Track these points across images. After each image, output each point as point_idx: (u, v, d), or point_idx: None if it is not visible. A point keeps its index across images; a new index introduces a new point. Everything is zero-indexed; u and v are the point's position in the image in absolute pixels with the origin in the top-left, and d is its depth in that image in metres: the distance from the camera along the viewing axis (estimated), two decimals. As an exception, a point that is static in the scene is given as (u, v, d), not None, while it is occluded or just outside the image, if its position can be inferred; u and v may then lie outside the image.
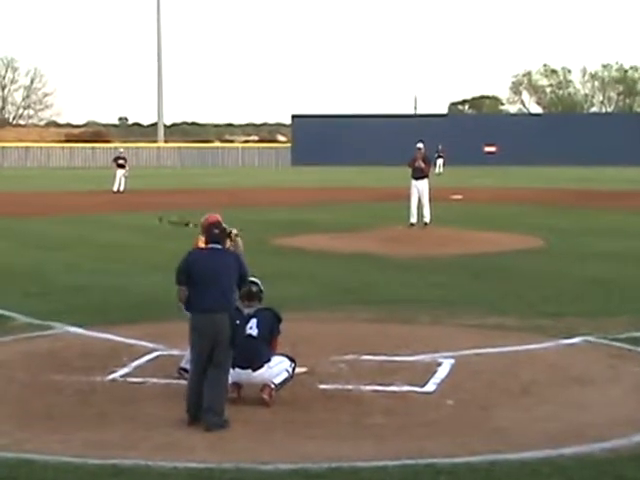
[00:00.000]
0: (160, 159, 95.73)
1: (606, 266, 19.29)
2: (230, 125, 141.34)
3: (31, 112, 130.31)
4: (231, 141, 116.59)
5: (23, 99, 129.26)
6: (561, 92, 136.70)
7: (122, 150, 53.89)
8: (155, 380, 10.33)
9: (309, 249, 22.34)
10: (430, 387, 10.01)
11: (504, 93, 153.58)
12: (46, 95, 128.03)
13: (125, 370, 10.79)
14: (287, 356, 9.79)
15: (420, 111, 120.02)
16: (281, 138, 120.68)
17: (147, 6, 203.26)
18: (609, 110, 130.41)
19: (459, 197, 40.97)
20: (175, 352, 11.08)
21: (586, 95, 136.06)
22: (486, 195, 43.64)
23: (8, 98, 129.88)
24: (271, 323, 9.73)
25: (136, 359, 11.25)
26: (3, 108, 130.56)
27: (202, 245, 9.52)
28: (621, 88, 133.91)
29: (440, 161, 69.93)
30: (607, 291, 16.19)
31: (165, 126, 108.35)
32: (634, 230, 27.15)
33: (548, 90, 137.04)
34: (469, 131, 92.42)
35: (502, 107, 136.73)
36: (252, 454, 7.91)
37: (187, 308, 9.11)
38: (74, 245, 23.89)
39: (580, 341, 12.20)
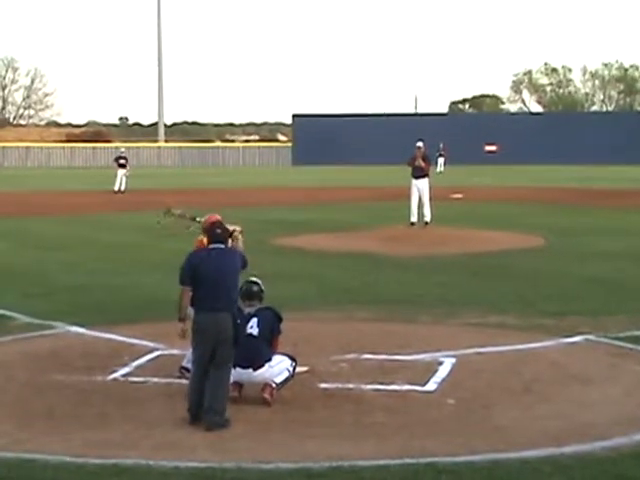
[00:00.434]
0: (161, 159, 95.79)
1: (607, 265, 19.28)
2: (231, 125, 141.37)
3: (31, 112, 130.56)
4: (232, 141, 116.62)
5: (23, 99, 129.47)
6: (561, 91, 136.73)
7: (123, 150, 53.89)
8: (156, 380, 10.33)
9: (309, 249, 22.34)
10: (431, 386, 10.00)
11: (505, 92, 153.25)
12: (46, 95, 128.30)
13: (126, 370, 10.79)
14: (288, 355, 9.78)
15: (421, 110, 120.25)
16: (282, 137, 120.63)
17: (147, 6, 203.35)
18: (610, 109, 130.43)
19: (459, 196, 40.96)
20: (176, 351, 11.07)
21: (587, 94, 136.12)
22: (486, 194, 43.64)
23: (8, 98, 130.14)
24: (272, 322, 9.73)
25: (137, 358, 11.25)
26: (4, 108, 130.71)
27: (204, 245, 9.52)
28: (621, 87, 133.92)
29: (441, 160, 70.00)
30: (608, 290, 16.19)
31: (166, 126, 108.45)
32: (635, 229, 27.14)
33: (548, 89, 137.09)
34: (470, 130, 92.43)
35: (502, 106, 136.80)
36: (253, 453, 7.90)
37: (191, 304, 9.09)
38: (75, 245, 23.91)
39: (581, 340, 12.20)
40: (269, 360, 9.51)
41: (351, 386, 9.98)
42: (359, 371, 10.57)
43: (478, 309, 14.34)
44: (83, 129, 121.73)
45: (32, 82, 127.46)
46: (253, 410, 9.18)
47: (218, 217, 9.47)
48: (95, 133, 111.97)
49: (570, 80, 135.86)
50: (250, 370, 9.42)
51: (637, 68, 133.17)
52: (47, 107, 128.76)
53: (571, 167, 76.77)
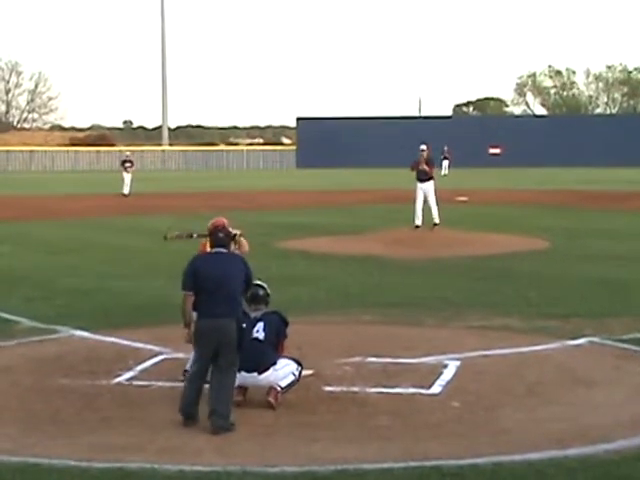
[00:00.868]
0: (165, 162, 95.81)
1: (611, 267, 19.27)
2: (235, 128, 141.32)
3: (35, 116, 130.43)
4: (236, 144, 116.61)
5: (27, 103, 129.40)
6: (565, 93, 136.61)
7: (129, 153, 54.10)
8: (161, 383, 10.34)
9: (314, 252, 22.33)
10: (436, 389, 10.00)
11: (508, 95, 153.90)
12: (50, 99, 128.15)
13: (131, 373, 10.80)
14: (294, 359, 9.77)
15: (424, 113, 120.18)
16: (286, 141, 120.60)
17: (151, 9, 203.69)
18: (613, 111, 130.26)
19: (464, 199, 40.89)
20: (180, 355, 11.06)
21: (590, 96, 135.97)
22: (491, 197, 43.58)
23: (12, 102, 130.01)
24: (277, 326, 9.73)
25: (142, 362, 11.26)
26: (8, 112, 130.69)
27: (208, 249, 9.50)
28: (625, 89, 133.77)
29: (446, 162, 69.91)
30: (612, 292, 16.18)
31: (170, 129, 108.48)
32: (639, 231, 27.11)
33: (552, 91, 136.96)
34: (474, 133, 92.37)
35: (506, 109, 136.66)
36: (258, 457, 7.91)
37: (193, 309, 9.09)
38: (79, 248, 23.91)
39: (585, 342, 12.19)
40: (274, 364, 9.50)
41: (356, 389, 9.97)
42: (364, 374, 10.57)
43: (483, 312, 14.33)
44: (87, 133, 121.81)
45: (36, 86, 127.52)
46: (258, 414, 9.18)
47: (224, 220, 9.40)
48: (99, 137, 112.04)
49: (574, 83, 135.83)
50: (255, 374, 9.41)
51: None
52: (51, 111, 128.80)
53: (575, 169, 76.72)
